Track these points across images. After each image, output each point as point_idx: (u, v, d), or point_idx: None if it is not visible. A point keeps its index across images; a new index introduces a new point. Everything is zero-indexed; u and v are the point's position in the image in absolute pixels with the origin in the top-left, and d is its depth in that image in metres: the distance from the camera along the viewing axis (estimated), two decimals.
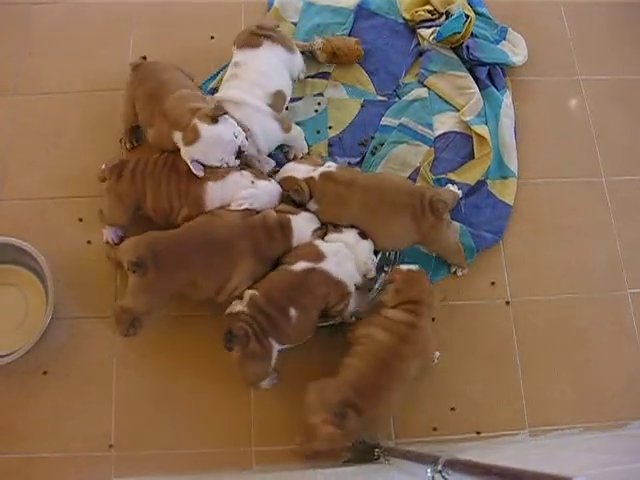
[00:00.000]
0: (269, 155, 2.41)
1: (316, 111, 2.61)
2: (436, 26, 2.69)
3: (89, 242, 2.38)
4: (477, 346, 2.29)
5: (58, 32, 2.75)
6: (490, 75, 2.69)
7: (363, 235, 2.17)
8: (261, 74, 2.32)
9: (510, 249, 2.45)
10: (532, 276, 2.41)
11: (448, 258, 2.34)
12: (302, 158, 2.40)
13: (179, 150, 2.16)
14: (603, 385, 2.27)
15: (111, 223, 2.31)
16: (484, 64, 2.66)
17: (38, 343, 2.13)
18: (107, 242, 2.34)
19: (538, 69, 2.76)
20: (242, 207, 2.15)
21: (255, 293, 2.05)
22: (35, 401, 2.18)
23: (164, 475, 2.11)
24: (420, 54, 2.73)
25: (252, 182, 2.20)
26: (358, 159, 2.51)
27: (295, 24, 2.77)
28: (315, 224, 2.20)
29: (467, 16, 2.64)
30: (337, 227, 2.20)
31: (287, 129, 2.35)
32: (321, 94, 2.64)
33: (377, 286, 2.28)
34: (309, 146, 2.52)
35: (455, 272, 2.37)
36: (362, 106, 2.62)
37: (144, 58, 2.39)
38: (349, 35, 2.72)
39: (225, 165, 2.19)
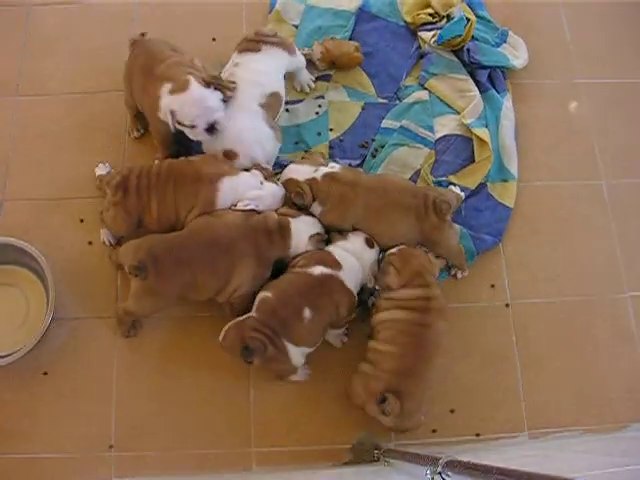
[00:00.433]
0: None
1: (317, 113, 2.62)
2: (437, 29, 2.69)
3: (90, 243, 2.38)
4: (477, 348, 2.30)
5: (60, 33, 2.76)
6: (491, 78, 2.70)
7: (370, 243, 2.18)
8: (259, 74, 2.33)
9: (510, 252, 2.45)
10: (532, 279, 2.41)
11: (449, 259, 2.35)
12: (304, 158, 2.39)
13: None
14: (602, 387, 2.27)
15: (114, 232, 2.32)
16: (485, 67, 2.67)
17: (39, 343, 2.13)
18: (104, 242, 2.35)
19: (538, 72, 2.77)
20: (248, 207, 2.16)
21: (267, 295, 2.05)
22: (35, 401, 2.18)
23: (164, 476, 2.11)
24: (421, 57, 2.73)
25: (261, 183, 2.22)
26: (359, 161, 2.51)
27: (296, 26, 2.78)
28: (314, 229, 2.19)
29: (468, 19, 2.65)
30: (342, 234, 2.20)
31: (278, 137, 2.36)
32: (322, 96, 2.65)
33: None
34: (310, 148, 2.53)
35: (455, 274, 2.38)
36: (363, 108, 2.63)
37: (143, 35, 2.40)
38: (350, 38, 2.72)
39: (191, 129, 2.20)
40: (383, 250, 2.22)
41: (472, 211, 2.48)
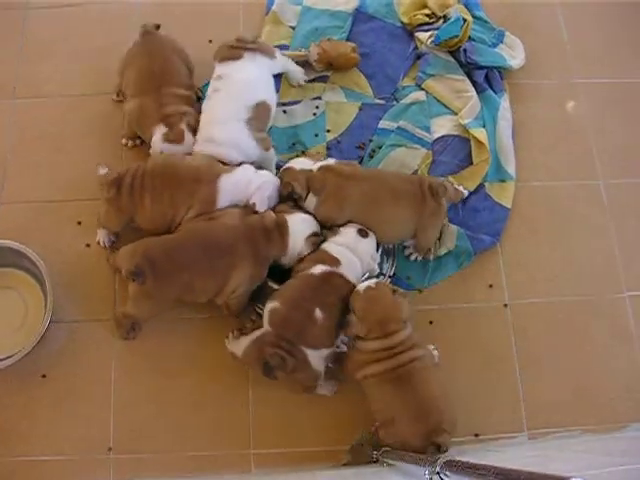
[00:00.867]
0: None
1: (314, 114, 2.62)
2: (434, 30, 2.69)
3: (88, 245, 2.38)
4: (475, 349, 2.29)
5: (57, 36, 2.76)
6: (488, 78, 2.70)
7: (363, 233, 2.16)
8: (244, 86, 2.32)
9: (508, 252, 2.45)
10: (530, 279, 2.41)
11: (423, 246, 2.32)
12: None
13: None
14: (602, 387, 2.27)
15: (105, 228, 2.33)
16: (482, 67, 2.67)
17: (37, 346, 2.13)
18: (99, 243, 2.35)
19: (535, 72, 2.77)
20: (265, 195, 2.19)
21: (276, 305, 2.04)
22: (34, 404, 2.18)
23: (163, 478, 2.10)
24: (418, 57, 2.73)
25: (255, 172, 2.24)
26: (356, 162, 2.51)
27: (293, 28, 2.78)
28: (311, 229, 2.18)
29: (465, 20, 2.65)
30: (333, 230, 2.19)
31: (267, 147, 2.35)
32: (319, 97, 2.65)
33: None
34: (307, 149, 2.53)
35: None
36: (360, 109, 2.63)
37: (157, 27, 2.46)
38: (347, 39, 2.73)
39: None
40: (381, 242, 2.23)
41: (470, 211, 2.48)
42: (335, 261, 2.09)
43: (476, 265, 2.41)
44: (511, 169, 2.56)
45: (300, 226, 2.16)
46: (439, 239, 2.38)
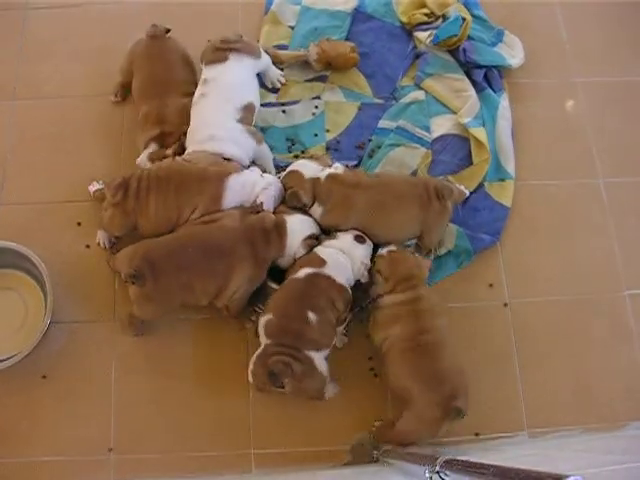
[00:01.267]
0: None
1: (313, 114, 2.62)
2: (433, 29, 2.70)
3: (88, 246, 2.38)
4: (475, 348, 2.29)
5: (56, 37, 2.76)
6: (487, 77, 2.70)
7: (361, 239, 2.17)
8: (230, 89, 2.34)
9: (508, 251, 2.45)
10: (530, 278, 2.41)
11: (426, 247, 2.33)
12: (312, 156, 2.37)
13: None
14: (602, 386, 2.27)
15: (110, 232, 2.32)
16: (481, 66, 2.68)
17: (37, 347, 2.13)
18: (99, 244, 2.36)
19: (535, 71, 2.77)
20: (270, 194, 2.20)
21: (269, 318, 2.04)
22: (34, 405, 2.18)
23: (164, 478, 2.10)
24: (417, 57, 2.73)
25: (261, 175, 2.25)
26: (355, 162, 2.51)
27: (292, 28, 2.78)
28: (309, 230, 2.18)
29: (464, 19, 2.65)
30: (331, 234, 2.20)
31: (260, 140, 2.36)
32: (318, 97, 2.65)
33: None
34: (306, 149, 2.53)
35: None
36: (359, 109, 2.63)
37: (167, 31, 2.50)
38: (346, 39, 2.73)
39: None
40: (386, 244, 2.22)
41: (470, 211, 2.48)
42: (321, 262, 2.10)
43: (476, 264, 2.41)
44: (511, 168, 2.56)
45: (298, 227, 2.16)
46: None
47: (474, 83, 2.66)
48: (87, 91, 2.65)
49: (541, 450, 2.11)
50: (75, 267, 2.35)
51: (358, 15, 2.81)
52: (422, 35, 2.72)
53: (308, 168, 2.24)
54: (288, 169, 2.28)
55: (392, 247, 2.14)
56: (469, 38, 2.69)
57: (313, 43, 2.65)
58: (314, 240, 2.18)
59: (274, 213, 2.19)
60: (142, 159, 2.35)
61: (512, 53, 2.76)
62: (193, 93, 2.39)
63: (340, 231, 2.20)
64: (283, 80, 2.65)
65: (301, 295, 2.05)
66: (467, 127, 2.54)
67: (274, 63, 2.61)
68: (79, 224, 2.41)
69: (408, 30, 2.79)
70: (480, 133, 2.53)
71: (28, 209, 2.44)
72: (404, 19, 2.79)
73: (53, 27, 2.79)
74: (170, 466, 2.12)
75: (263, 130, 2.54)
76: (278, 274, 2.19)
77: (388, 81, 2.69)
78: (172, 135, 2.36)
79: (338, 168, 2.25)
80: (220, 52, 2.37)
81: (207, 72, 2.37)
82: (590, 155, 2.63)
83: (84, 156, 2.52)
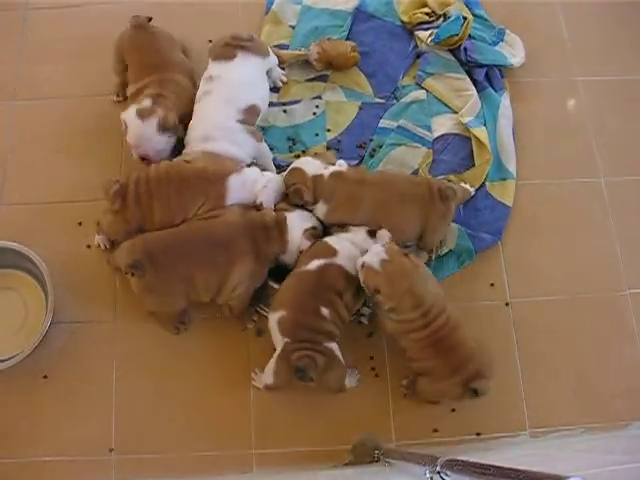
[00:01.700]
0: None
1: (314, 114, 2.62)
2: (434, 28, 2.69)
3: (88, 246, 2.38)
4: None
5: (56, 37, 2.76)
6: (488, 77, 2.69)
7: (372, 234, 2.15)
8: (235, 88, 2.32)
9: (509, 250, 2.45)
10: (531, 277, 2.41)
11: (428, 247, 2.33)
12: (316, 154, 2.35)
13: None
14: (603, 386, 2.26)
15: (110, 237, 2.31)
16: (482, 66, 2.67)
17: (38, 347, 2.13)
18: (98, 246, 2.35)
19: (536, 70, 2.76)
20: (270, 192, 2.20)
21: (280, 315, 2.02)
22: (35, 405, 2.18)
23: (165, 478, 2.10)
24: (418, 56, 2.73)
25: (261, 173, 2.25)
26: (357, 161, 2.51)
27: (293, 27, 2.78)
28: (309, 223, 2.18)
29: (464, 18, 2.65)
30: (344, 227, 2.19)
31: (259, 139, 2.36)
32: (319, 97, 2.65)
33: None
34: (307, 148, 2.53)
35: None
36: (360, 108, 2.63)
37: (149, 20, 2.46)
38: (347, 38, 2.73)
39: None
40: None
41: (471, 210, 2.47)
42: (332, 251, 2.09)
43: (477, 264, 2.41)
44: (512, 167, 2.55)
45: (298, 222, 2.16)
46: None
47: (475, 82, 2.66)
48: (87, 91, 2.65)
49: (542, 450, 2.10)
50: (76, 267, 2.35)
51: (359, 14, 2.81)
52: (423, 34, 2.71)
53: (311, 165, 2.23)
54: (291, 166, 2.27)
55: (381, 253, 1.99)
56: (470, 37, 2.69)
57: (314, 42, 2.65)
58: (316, 230, 2.18)
59: (274, 210, 2.19)
60: (130, 113, 2.28)
61: (513, 52, 2.75)
62: (191, 71, 2.38)
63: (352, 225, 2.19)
64: (285, 79, 2.64)
65: (314, 288, 2.03)
66: (468, 126, 2.54)
67: None
68: (80, 224, 2.41)
69: (409, 29, 2.79)
70: (481, 133, 2.53)
71: (28, 209, 2.44)
72: (405, 18, 2.79)
73: (53, 27, 2.79)
74: (171, 466, 2.12)
75: (264, 130, 2.54)
76: (279, 274, 2.18)
77: (389, 80, 2.69)
78: (167, 99, 2.31)
79: (342, 165, 2.25)
80: (229, 48, 2.36)
81: (213, 68, 2.35)
82: (591, 154, 2.63)
83: (84, 156, 2.52)
